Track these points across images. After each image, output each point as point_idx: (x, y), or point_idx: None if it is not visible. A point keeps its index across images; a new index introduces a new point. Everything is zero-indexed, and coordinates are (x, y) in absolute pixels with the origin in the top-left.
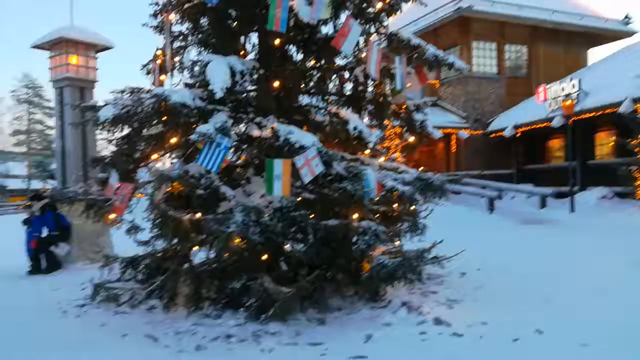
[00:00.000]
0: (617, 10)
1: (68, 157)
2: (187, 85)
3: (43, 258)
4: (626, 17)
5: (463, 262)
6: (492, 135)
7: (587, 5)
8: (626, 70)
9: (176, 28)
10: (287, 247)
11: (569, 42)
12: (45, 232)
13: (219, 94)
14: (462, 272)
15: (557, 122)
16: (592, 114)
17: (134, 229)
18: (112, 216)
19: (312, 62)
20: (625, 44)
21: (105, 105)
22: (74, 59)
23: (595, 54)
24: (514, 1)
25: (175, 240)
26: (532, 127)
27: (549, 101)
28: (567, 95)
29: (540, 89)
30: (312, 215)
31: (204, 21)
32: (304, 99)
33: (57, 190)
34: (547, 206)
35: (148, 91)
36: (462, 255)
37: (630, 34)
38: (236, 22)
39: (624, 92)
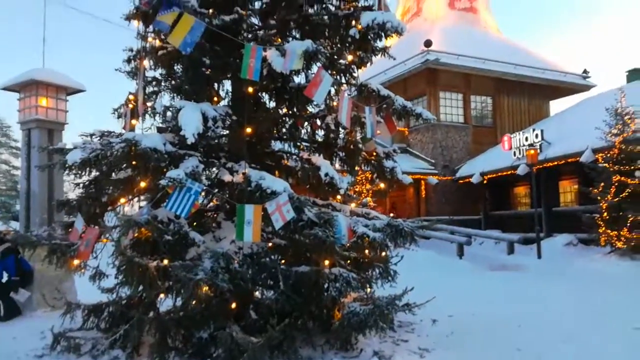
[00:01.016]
0: (576, 64)
1: (33, 199)
2: (159, 129)
3: (1, 304)
4: (584, 71)
5: (434, 309)
6: (460, 182)
7: (548, 60)
8: (586, 122)
9: (149, 73)
10: (257, 294)
11: (531, 94)
12: (5, 277)
13: (190, 140)
14: (433, 319)
15: (522, 170)
16: (555, 163)
17: (98, 275)
18: (76, 262)
19: (285, 110)
20: (584, 97)
21: (74, 148)
22: (43, 101)
23: (557, 105)
24: (479, 55)
25: (141, 288)
26: (499, 174)
27: (513, 150)
28: (531, 145)
29: (505, 138)
30: (283, 261)
31: (177, 68)
32: (277, 145)
33: (20, 233)
34: (515, 252)
35: (118, 135)
36: (433, 301)
37: (588, 87)
38: (210, 70)
39: (584, 143)
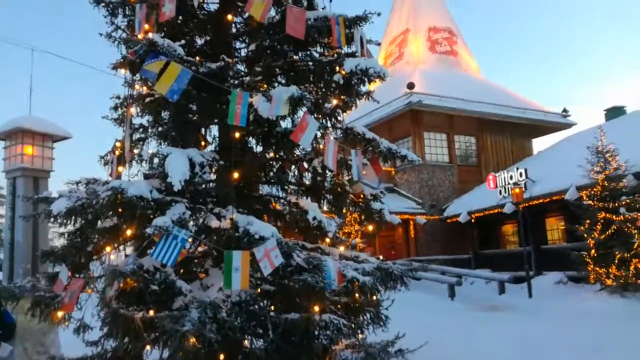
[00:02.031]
0: (556, 103)
1: (17, 249)
2: (145, 176)
3: None
4: (564, 110)
5: (427, 354)
6: (448, 221)
7: (528, 100)
8: (569, 159)
9: (136, 120)
10: (246, 343)
11: (514, 133)
12: None
13: (177, 187)
14: None
15: (508, 209)
16: (540, 201)
17: (82, 327)
18: (60, 314)
19: (272, 154)
20: (566, 134)
21: (59, 197)
22: (29, 149)
23: (540, 143)
24: (461, 96)
25: (127, 340)
26: (486, 213)
27: (499, 188)
28: (516, 184)
29: (490, 177)
30: (272, 308)
31: (165, 114)
32: (264, 189)
33: (2, 285)
34: (506, 291)
35: (104, 183)
36: (425, 345)
37: (569, 125)
38: (197, 116)
39: (568, 181)
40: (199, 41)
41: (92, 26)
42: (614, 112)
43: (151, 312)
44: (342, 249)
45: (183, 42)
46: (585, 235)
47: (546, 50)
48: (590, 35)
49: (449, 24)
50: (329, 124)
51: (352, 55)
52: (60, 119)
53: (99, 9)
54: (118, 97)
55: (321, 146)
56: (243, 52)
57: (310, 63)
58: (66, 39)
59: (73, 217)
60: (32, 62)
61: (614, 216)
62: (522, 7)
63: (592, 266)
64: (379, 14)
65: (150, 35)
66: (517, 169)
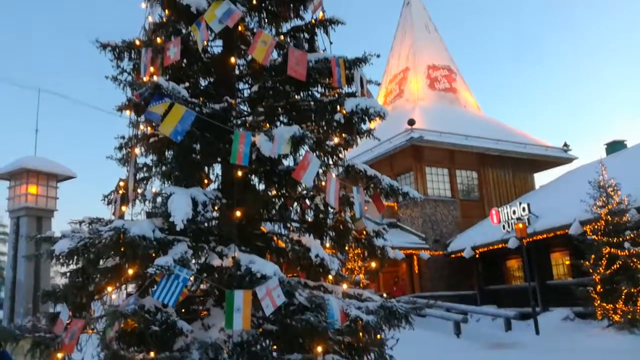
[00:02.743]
0: (556, 137)
1: (18, 288)
2: (148, 214)
3: None
4: (565, 145)
5: None
6: (452, 256)
7: (528, 135)
8: (571, 194)
9: (140, 160)
10: None
11: (515, 167)
12: None
13: (179, 226)
14: None
15: (512, 244)
16: (544, 236)
17: None
18: (59, 355)
19: (274, 192)
20: (567, 169)
21: (62, 237)
22: (33, 189)
23: (542, 177)
24: (461, 131)
25: None
26: (490, 248)
27: (502, 223)
28: (519, 219)
29: (493, 211)
30: (275, 348)
31: (168, 154)
32: (267, 226)
33: (2, 326)
34: (513, 328)
35: (107, 222)
36: None
37: (570, 160)
38: (200, 155)
39: (571, 215)
40: (203, 82)
41: (99, 68)
42: (614, 147)
43: (152, 354)
44: (345, 286)
45: (187, 84)
46: (591, 270)
47: (545, 85)
48: (590, 69)
49: (447, 62)
50: (330, 162)
51: (353, 95)
52: (65, 158)
53: (105, 52)
54: (122, 137)
55: (323, 183)
56: (246, 93)
57: (312, 103)
58: (72, 78)
59: (75, 257)
60: (39, 103)
61: (619, 251)
62: (520, 42)
63: (598, 302)
64: (378, 56)
65: (155, 78)
66: (520, 203)
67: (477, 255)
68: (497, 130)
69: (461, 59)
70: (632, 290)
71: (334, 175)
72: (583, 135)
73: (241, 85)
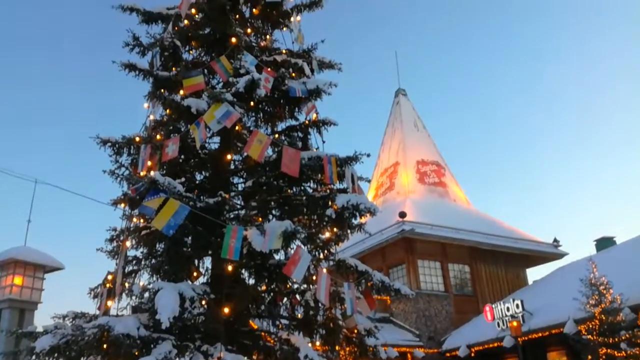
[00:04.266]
0: (545, 231)
1: None
2: (134, 309)
3: None
4: (555, 240)
5: None
6: (447, 355)
7: (518, 230)
8: (564, 291)
9: (130, 252)
10: None
11: (507, 262)
12: None
13: (166, 324)
14: None
15: (508, 342)
16: (539, 334)
17: None
18: None
19: (264, 287)
20: (558, 264)
21: (44, 333)
22: (18, 280)
23: (533, 272)
24: (452, 224)
25: None
26: (485, 346)
27: (496, 320)
28: (513, 316)
29: (487, 308)
30: None
31: (159, 246)
32: (255, 322)
33: None
34: None
35: (91, 318)
36: None
37: (561, 255)
38: (191, 248)
39: (565, 313)
40: (199, 176)
41: (97, 163)
42: (603, 243)
43: None
44: None
45: (183, 179)
46: None
47: (532, 179)
48: (577, 166)
49: (436, 157)
50: (321, 256)
51: (344, 191)
52: (55, 248)
53: (105, 148)
54: (114, 230)
55: (314, 277)
56: (240, 187)
57: (304, 198)
58: (69, 168)
59: (56, 355)
60: (34, 194)
61: (616, 352)
62: (507, 135)
63: None
64: (368, 155)
65: (152, 173)
66: (513, 300)
67: (472, 354)
68: (487, 224)
69: (448, 152)
70: None
71: (324, 270)
72: (572, 230)
73: (236, 180)
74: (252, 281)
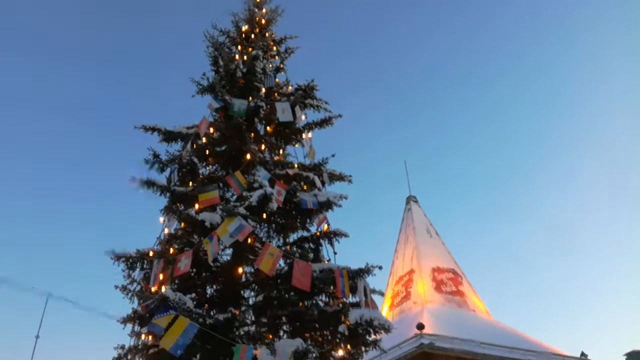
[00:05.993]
0: (571, 344)
1: None
2: None
3: None
4: (582, 354)
5: None
6: None
7: (545, 343)
8: None
9: None
10: None
11: None
12: None
13: None
14: None
15: None
16: None
17: None
18: None
19: None
20: None
21: None
22: None
23: None
24: (473, 337)
25: None
26: None
27: None
28: None
29: None
30: None
31: None
32: None
33: None
34: None
35: None
36: None
37: None
38: None
39: None
40: (209, 290)
41: (108, 276)
42: (634, 357)
43: None
44: None
45: (194, 294)
46: None
47: (556, 292)
48: (610, 275)
49: (451, 265)
50: None
51: (357, 304)
52: None
53: (118, 264)
54: (122, 347)
55: None
56: (251, 301)
57: (316, 312)
58: (78, 284)
59: None
60: (45, 309)
61: None
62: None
63: None
64: (380, 267)
65: (163, 288)
66: None
67: None
68: (510, 336)
69: (466, 262)
70: None
71: None
72: (600, 342)
73: (247, 293)
74: None
